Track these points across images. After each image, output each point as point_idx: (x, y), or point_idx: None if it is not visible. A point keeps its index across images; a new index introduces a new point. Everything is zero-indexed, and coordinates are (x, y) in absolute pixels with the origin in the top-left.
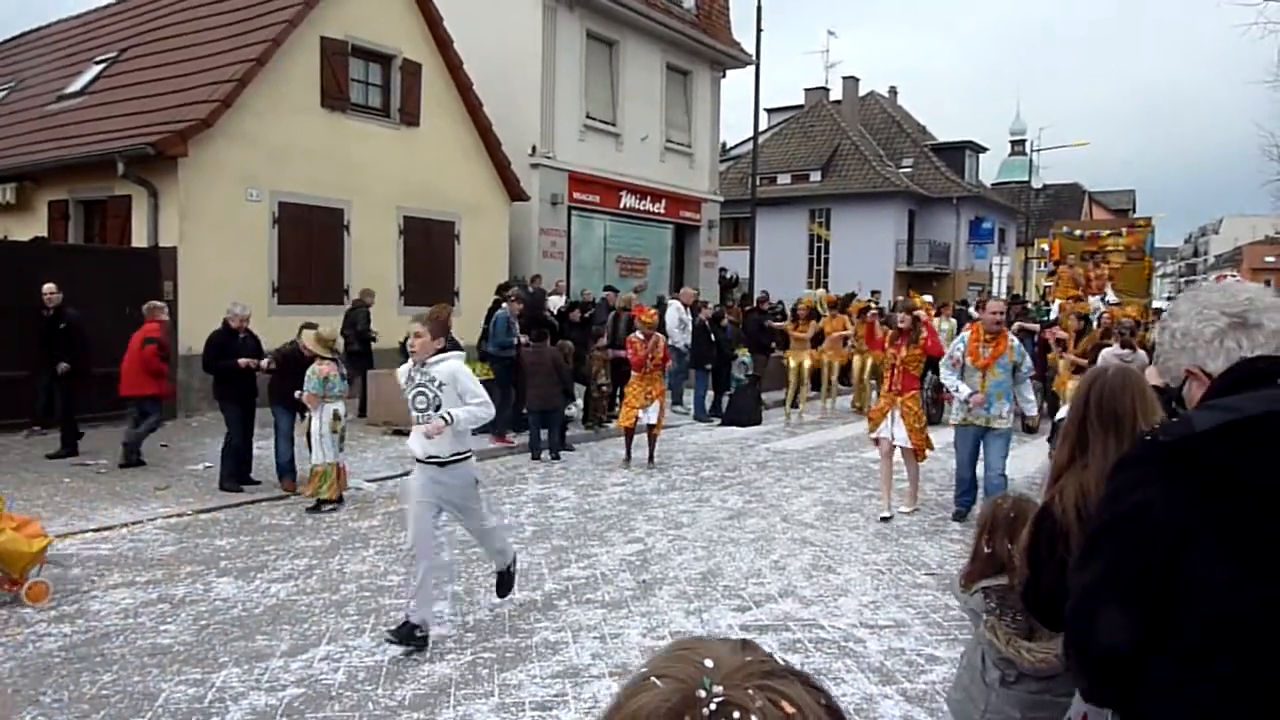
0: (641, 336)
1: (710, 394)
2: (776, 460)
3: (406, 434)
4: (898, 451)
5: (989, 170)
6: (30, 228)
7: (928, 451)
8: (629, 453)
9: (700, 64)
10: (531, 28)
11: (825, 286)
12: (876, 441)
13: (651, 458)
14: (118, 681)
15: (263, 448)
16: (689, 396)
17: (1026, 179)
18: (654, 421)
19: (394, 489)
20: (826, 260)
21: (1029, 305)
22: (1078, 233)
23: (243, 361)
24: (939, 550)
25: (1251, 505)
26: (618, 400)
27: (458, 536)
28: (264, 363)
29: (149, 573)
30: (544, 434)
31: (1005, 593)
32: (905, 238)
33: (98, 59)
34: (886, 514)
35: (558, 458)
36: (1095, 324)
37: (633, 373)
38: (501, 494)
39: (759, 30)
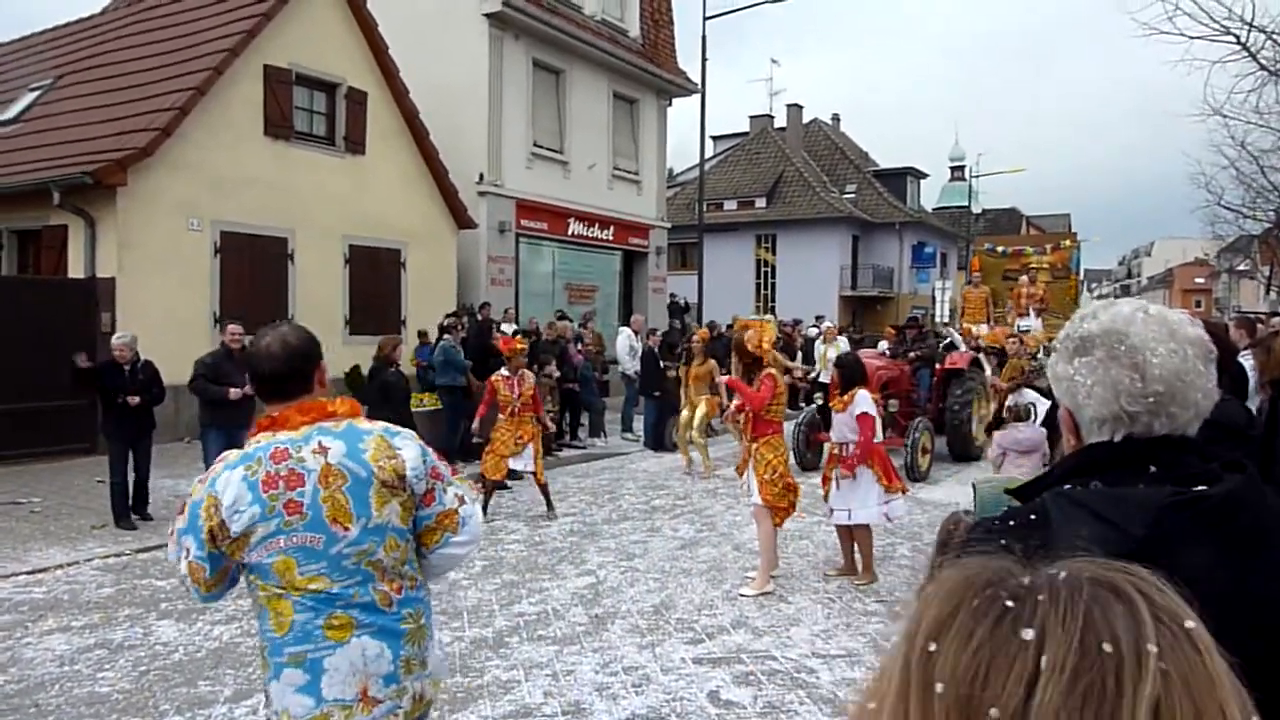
0: (506, 374)
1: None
2: (727, 488)
3: None
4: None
5: (930, 196)
6: None
7: (791, 513)
8: (486, 504)
9: (647, 92)
10: (478, 56)
11: (773, 311)
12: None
13: (549, 506)
14: None
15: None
16: (639, 424)
17: (966, 204)
18: (532, 469)
19: None
20: (774, 285)
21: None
22: (1000, 249)
23: (233, 392)
24: (888, 576)
25: None
26: (564, 428)
27: None
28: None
29: (86, 616)
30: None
31: None
32: (849, 262)
33: (32, 85)
34: (749, 592)
35: (505, 487)
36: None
37: (500, 416)
38: None
39: (704, 59)
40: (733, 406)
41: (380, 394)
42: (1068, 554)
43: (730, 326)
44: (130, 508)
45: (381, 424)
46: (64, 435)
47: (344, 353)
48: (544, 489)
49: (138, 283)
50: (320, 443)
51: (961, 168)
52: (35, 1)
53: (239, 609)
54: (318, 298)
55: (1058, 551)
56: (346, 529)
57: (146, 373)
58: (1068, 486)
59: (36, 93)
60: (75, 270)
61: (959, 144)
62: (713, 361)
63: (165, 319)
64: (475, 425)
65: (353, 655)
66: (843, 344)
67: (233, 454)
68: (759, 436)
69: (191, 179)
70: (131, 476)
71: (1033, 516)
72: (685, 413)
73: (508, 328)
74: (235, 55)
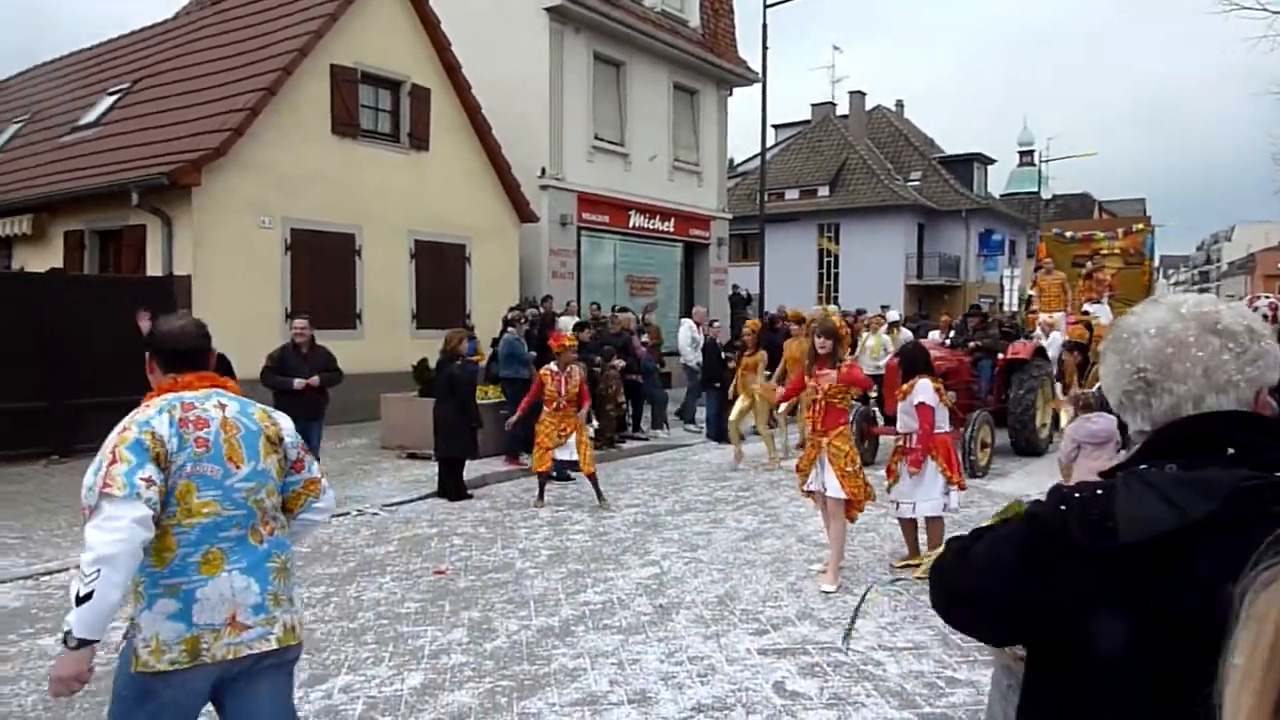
0: (555, 369)
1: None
2: (791, 479)
3: (422, 458)
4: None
5: (998, 182)
6: (46, 259)
7: (866, 504)
8: (541, 493)
9: (707, 83)
10: (539, 51)
11: (836, 301)
12: (811, 496)
13: (599, 496)
14: None
15: None
16: (701, 415)
17: (1035, 190)
18: (577, 459)
19: (409, 514)
20: (836, 275)
21: (1007, 317)
22: (1068, 234)
23: (297, 383)
24: None
25: (1167, 634)
26: (628, 420)
27: (473, 563)
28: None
29: None
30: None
31: None
32: (915, 251)
33: (111, 90)
34: (828, 587)
35: (568, 478)
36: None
37: (544, 409)
38: (515, 517)
39: (765, 48)
40: (778, 397)
41: (447, 386)
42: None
43: (779, 319)
44: None
45: (259, 403)
46: None
47: (411, 347)
48: (592, 479)
49: (212, 279)
50: (219, 401)
51: (1030, 152)
52: (113, 8)
53: (312, 596)
54: (385, 293)
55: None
56: (239, 467)
57: (220, 366)
58: (1143, 467)
59: (115, 96)
60: (153, 268)
61: (1027, 128)
62: (763, 352)
63: (239, 315)
64: (514, 418)
65: (222, 587)
66: (904, 335)
67: (140, 410)
68: (831, 428)
69: (262, 178)
70: None
71: (1099, 491)
72: (740, 403)
73: (568, 320)
74: (303, 55)
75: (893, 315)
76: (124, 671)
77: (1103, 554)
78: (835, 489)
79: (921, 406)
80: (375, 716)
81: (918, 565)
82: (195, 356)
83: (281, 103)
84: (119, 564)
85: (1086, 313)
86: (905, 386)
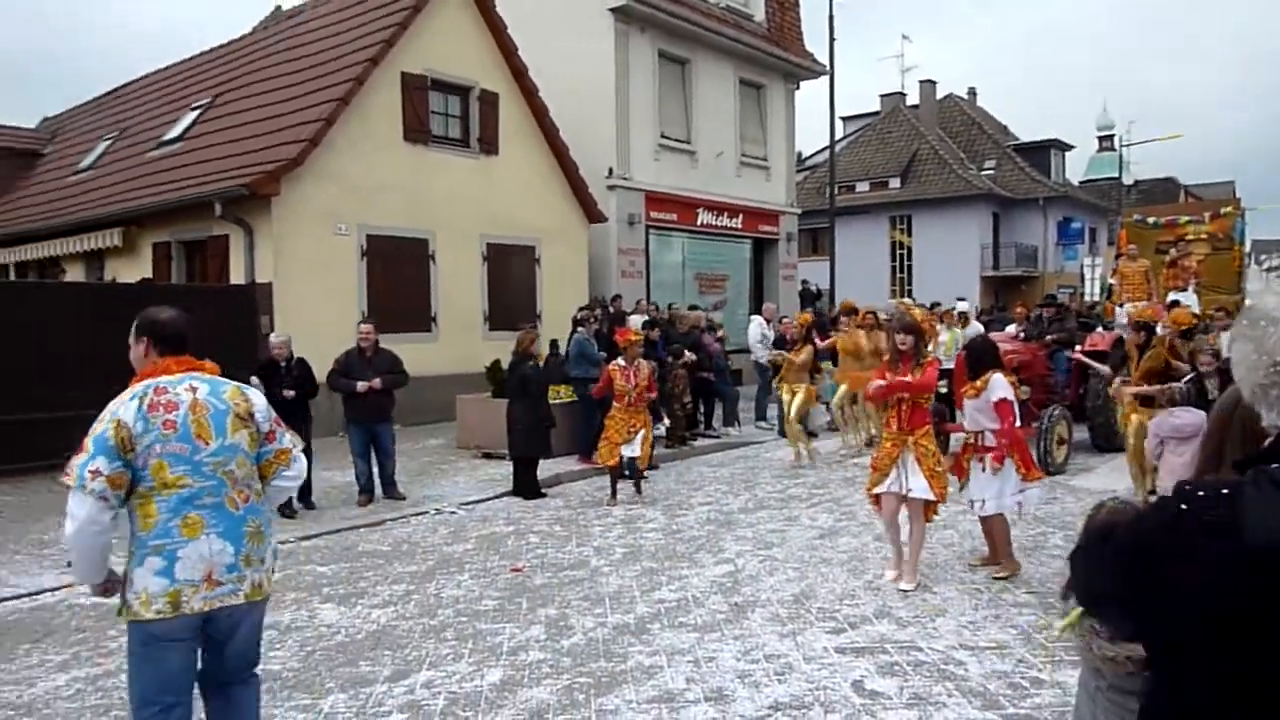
0: (623, 364)
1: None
2: (865, 476)
3: (497, 458)
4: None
5: (1076, 168)
6: (136, 270)
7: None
8: (614, 490)
9: (773, 77)
10: (604, 51)
11: (910, 294)
12: (877, 501)
13: (638, 489)
14: None
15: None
16: (773, 412)
17: (1116, 175)
18: (637, 454)
19: (485, 513)
20: (910, 267)
21: (1086, 307)
22: (1151, 219)
23: (360, 386)
24: (1039, 567)
25: None
26: (698, 419)
27: (549, 561)
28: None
29: None
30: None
31: None
32: (990, 241)
33: (193, 105)
34: (907, 586)
35: (644, 477)
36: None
37: (614, 405)
38: (589, 515)
39: (832, 40)
40: (871, 389)
41: (520, 386)
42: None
43: (840, 315)
44: (297, 499)
45: (235, 381)
46: None
47: (484, 348)
48: (640, 473)
49: (292, 286)
50: (191, 384)
51: (1111, 137)
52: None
53: (393, 594)
54: (458, 296)
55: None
56: (207, 443)
57: (300, 370)
58: (1276, 466)
59: (197, 111)
60: (236, 276)
61: (1107, 112)
62: (810, 348)
63: (318, 320)
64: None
65: (201, 549)
66: (975, 328)
67: (119, 398)
68: (917, 427)
69: (338, 186)
70: None
71: (1224, 491)
72: (798, 400)
73: (637, 319)
74: (375, 65)
75: (962, 306)
76: (130, 631)
77: (1226, 557)
78: (923, 489)
79: (1002, 403)
80: (456, 712)
81: (998, 564)
82: (179, 341)
83: (354, 112)
84: (80, 542)
85: (1176, 302)
86: (978, 383)
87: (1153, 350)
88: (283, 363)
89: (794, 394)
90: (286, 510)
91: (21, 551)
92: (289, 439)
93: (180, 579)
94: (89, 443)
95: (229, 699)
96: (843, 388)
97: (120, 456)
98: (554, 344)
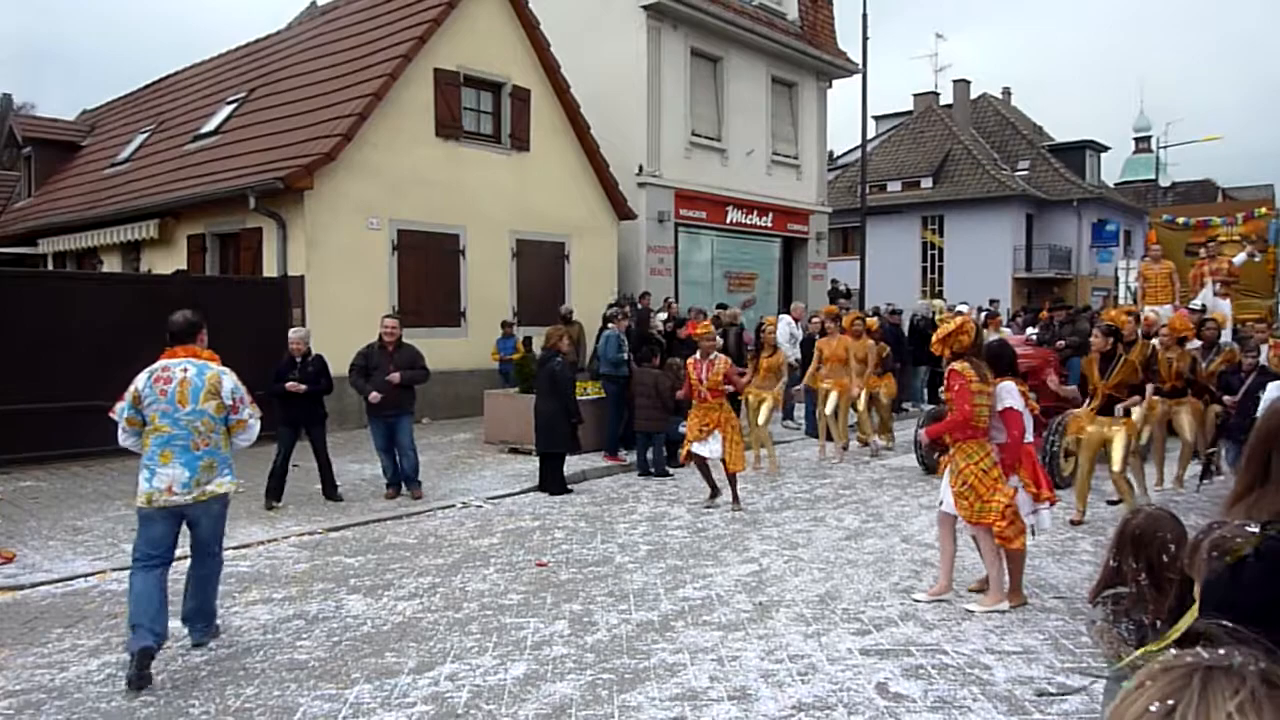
0: (697, 358)
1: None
2: (893, 478)
3: (524, 453)
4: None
5: (1111, 170)
6: (171, 261)
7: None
8: (712, 485)
9: (806, 75)
10: (636, 49)
11: (941, 295)
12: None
13: (735, 499)
14: (259, 695)
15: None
16: (800, 411)
17: (1153, 177)
18: (719, 455)
19: (511, 508)
20: (941, 268)
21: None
22: (1180, 220)
23: (373, 396)
24: (1068, 572)
25: None
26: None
27: (574, 556)
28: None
29: (285, 589)
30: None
31: (1124, 599)
32: (1023, 243)
33: (229, 99)
34: (973, 607)
35: (666, 474)
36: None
37: (694, 402)
38: (615, 512)
39: (865, 38)
40: (929, 433)
41: (548, 382)
42: None
43: (825, 321)
44: (322, 492)
45: (220, 365)
46: (264, 422)
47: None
48: (732, 479)
49: (324, 280)
50: (185, 367)
51: (1147, 138)
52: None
53: (419, 586)
54: (488, 291)
55: None
56: (184, 406)
57: (316, 365)
58: None
59: (233, 106)
60: (269, 269)
61: (1144, 113)
62: (782, 353)
63: (349, 313)
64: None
65: (169, 471)
66: (1007, 333)
67: (146, 370)
68: (958, 440)
69: (370, 180)
70: (311, 465)
71: None
72: (833, 397)
73: (662, 316)
74: (408, 61)
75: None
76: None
77: None
78: (951, 505)
79: (1008, 412)
80: (480, 704)
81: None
82: (181, 336)
83: (388, 107)
84: (125, 441)
85: (1204, 306)
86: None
87: (1125, 361)
88: (298, 358)
89: (759, 401)
90: (271, 502)
91: (55, 538)
92: (248, 413)
93: (154, 486)
94: (125, 395)
95: (200, 564)
96: (834, 395)
97: (134, 408)
98: (528, 340)
